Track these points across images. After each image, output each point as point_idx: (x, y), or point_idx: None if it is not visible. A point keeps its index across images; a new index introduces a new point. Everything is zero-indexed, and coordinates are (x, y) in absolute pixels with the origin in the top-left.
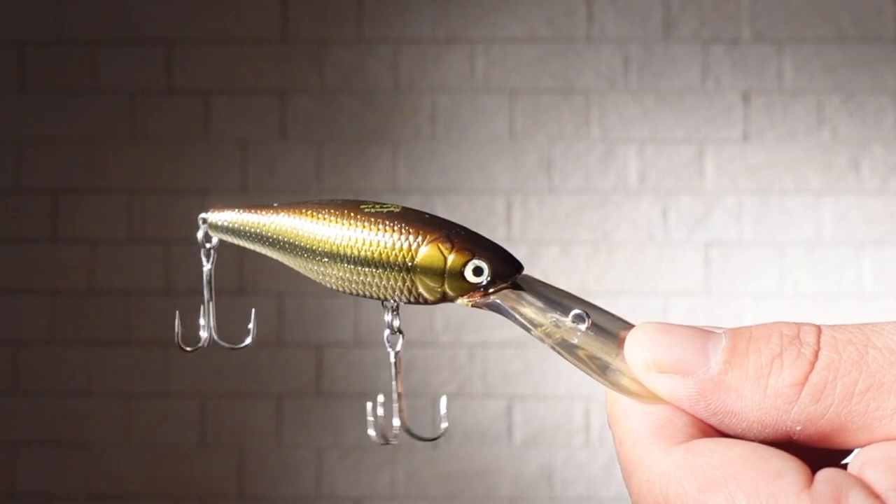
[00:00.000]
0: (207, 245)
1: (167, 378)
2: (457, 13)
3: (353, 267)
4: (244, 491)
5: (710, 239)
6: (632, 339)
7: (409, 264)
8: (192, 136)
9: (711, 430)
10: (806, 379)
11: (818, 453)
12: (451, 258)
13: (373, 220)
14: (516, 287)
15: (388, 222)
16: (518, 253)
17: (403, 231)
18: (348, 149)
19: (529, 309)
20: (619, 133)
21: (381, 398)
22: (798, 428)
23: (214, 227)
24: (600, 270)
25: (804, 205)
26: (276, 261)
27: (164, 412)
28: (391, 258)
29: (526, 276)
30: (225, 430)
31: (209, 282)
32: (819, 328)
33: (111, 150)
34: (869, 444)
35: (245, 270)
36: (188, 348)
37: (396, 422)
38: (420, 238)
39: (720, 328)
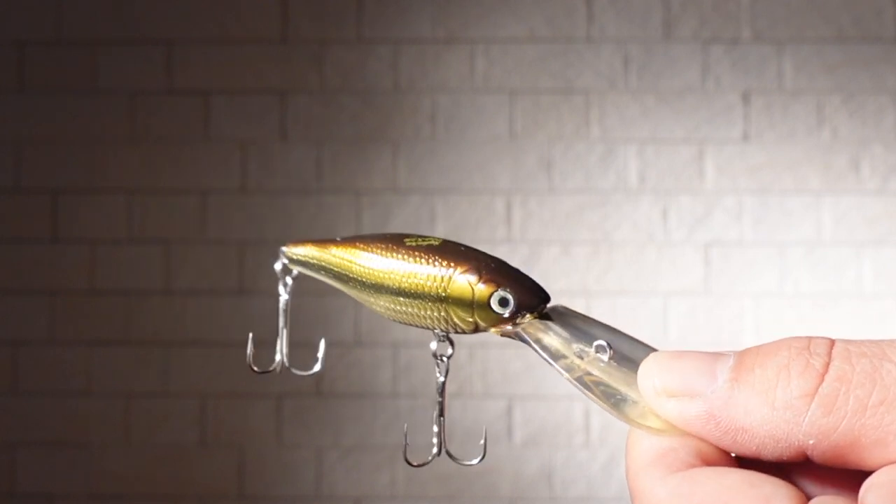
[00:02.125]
0: (287, 277)
1: (167, 378)
2: (457, 13)
3: (394, 297)
4: (244, 491)
5: (710, 239)
6: (642, 369)
7: (442, 295)
8: (192, 136)
9: (719, 459)
10: (816, 390)
11: (840, 478)
12: (478, 289)
13: (412, 252)
14: (545, 318)
15: (425, 255)
16: (518, 253)
17: (437, 263)
18: (348, 149)
19: (555, 340)
20: (619, 133)
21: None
22: (811, 442)
23: (291, 259)
24: (600, 270)
25: (804, 205)
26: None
27: (164, 412)
28: (426, 290)
29: (559, 306)
30: (225, 430)
31: (285, 310)
32: (832, 341)
33: (111, 150)
34: (885, 462)
35: (245, 270)
36: (258, 370)
37: (435, 442)
38: (451, 270)
39: (731, 351)
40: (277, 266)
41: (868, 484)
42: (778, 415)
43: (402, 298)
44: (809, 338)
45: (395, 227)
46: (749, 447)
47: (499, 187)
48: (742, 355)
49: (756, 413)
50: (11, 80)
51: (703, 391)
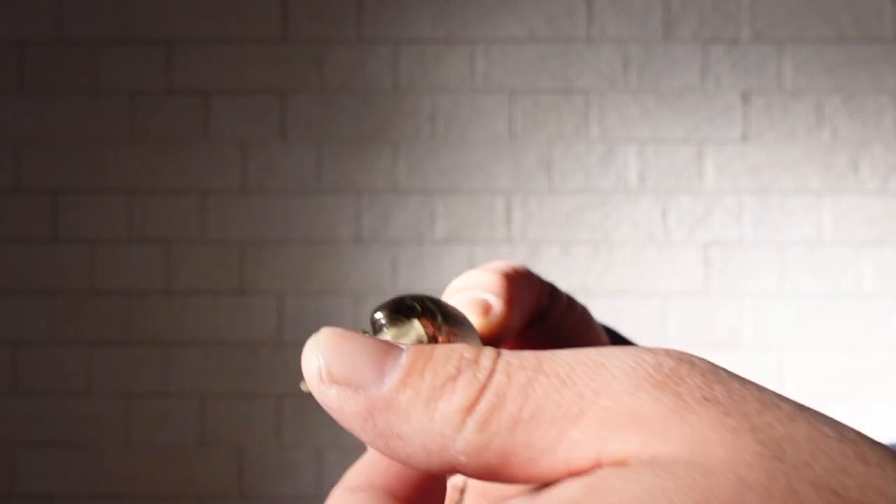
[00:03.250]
0: None
1: (167, 378)
2: (457, 13)
3: None
4: (244, 491)
5: (710, 239)
6: (309, 344)
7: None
8: (192, 136)
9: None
10: (474, 405)
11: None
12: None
13: None
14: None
15: None
16: (518, 253)
17: None
18: (348, 149)
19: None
20: (619, 133)
21: None
22: (462, 459)
23: None
24: (600, 270)
25: (804, 205)
26: (276, 260)
27: (164, 412)
28: None
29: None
30: (225, 430)
31: None
32: (499, 352)
33: (111, 150)
34: (532, 478)
35: (245, 270)
36: None
37: None
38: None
39: (406, 345)
40: None
41: None
42: (436, 427)
43: None
44: (481, 349)
45: (396, 228)
46: (400, 454)
47: (499, 187)
48: (415, 355)
49: (415, 423)
50: (11, 80)
51: (367, 386)
